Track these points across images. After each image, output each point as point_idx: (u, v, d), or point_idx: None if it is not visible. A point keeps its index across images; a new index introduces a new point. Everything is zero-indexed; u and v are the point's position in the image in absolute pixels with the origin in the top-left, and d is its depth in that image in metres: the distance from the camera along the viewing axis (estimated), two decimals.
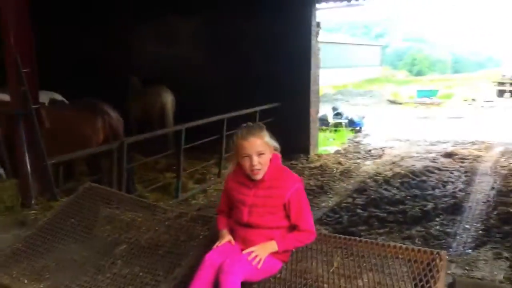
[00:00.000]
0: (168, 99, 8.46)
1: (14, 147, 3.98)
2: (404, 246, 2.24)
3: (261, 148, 2.25)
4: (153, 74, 8.88)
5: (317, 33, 8.36)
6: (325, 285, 2.23)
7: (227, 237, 2.29)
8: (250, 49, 8.38)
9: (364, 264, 2.22)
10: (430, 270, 2.08)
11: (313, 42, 8.13)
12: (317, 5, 8.20)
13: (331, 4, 8.58)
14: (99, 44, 9.63)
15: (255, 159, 2.23)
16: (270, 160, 2.30)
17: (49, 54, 6.06)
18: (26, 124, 3.81)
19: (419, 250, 2.20)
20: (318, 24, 8.33)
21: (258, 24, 8.21)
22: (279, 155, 2.39)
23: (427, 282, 2.03)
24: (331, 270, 2.24)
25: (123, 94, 8.30)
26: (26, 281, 2.55)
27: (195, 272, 2.15)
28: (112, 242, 2.77)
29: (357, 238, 2.36)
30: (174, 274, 2.38)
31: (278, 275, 2.28)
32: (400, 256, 2.21)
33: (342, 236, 2.41)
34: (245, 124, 2.37)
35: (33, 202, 3.60)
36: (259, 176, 2.28)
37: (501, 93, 20.97)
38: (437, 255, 2.13)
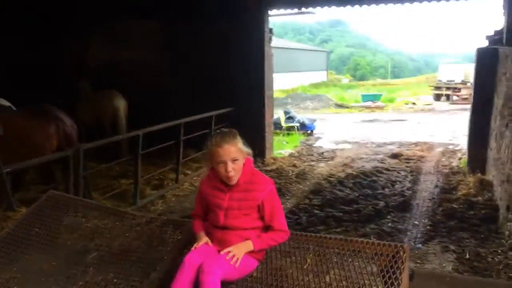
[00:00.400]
0: (120, 104, 8.26)
1: None
2: (370, 241, 2.39)
3: (235, 155, 2.32)
4: (106, 78, 8.66)
5: (270, 39, 8.55)
6: (296, 282, 2.34)
7: (204, 239, 2.34)
8: (205, 54, 8.42)
9: (335, 259, 2.36)
10: (396, 262, 2.24)
11: (266, 47, 8.31)
12: (269, 12, 8.39)
13: (282, 11, 8.80)
14: (50, 47, 9.25)
15: (230, 165, 2.30)
16: (244, 164, 2.38)
17: None
18: None
19: (384, 244, 2.36)
20: (270, 30, 8.53)
21: (212, 29, 8.27)
22: (251, 159, 2.48)
23: (393, 273, 2.19)
24: (304, 267, 2.36)
25: (73, 99, 8.03)
26: None
27: (175, 273, 2.18)
28: (82, 250, 2.72)
29: (327, 236, 2.49)
30: (150, 279, 2.38)
31: (254, 274, 2.36)
32: (367, 250, 2.36)
33: (313, 234, 2.54)
34: (218, 130, 2.43)
35: None
36: (233, 181, 2.35)
37: (438, 97, 22.42)
38: (401, 248, 2.30)
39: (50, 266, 2.62)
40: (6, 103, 5.93)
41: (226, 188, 2.38)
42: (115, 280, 2.44)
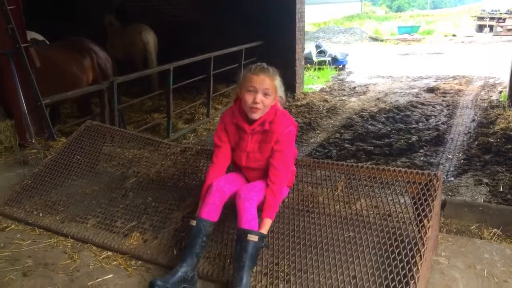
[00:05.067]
0: (150, 38, 8.19)
1: (5, 88, 3.88)
2: (403, 169, 2.38)
3: (268, 87, 2.19)
4: (130, 13, 8.54)
5: None
6: (326, 209, 2.39)
7: None
8: None
9: (366, 188, 2.38)
10: (428, 190, 2.24)
11: None
12: None
13: None
14: None
15: (259, 96, 2.18)
16: (271, 106, 2.27)
17: None
18: (16, 64, 3.70)
19: (417, 172, 2.34)
20: None
21: None
22: (278, 101, 2.31)
23: (425, 200, 2.19)
24: (335, 194, 2.40)
25: (100, 35, 8.00)
26: (41, 214, 2.64)
27: (205, 197, 2.21)
28: (121, 177, 2.86)
29: (358, 164, 2.48)
30: (187, 202, 2.50)
31: (286, 200, 2.43)
32: (399, 178, 2.36)
33: (344, 163, 2.54)
34: (259, 63, 2.28)
35: (34, 141, 3.60)
36: (256, 115, 2.23)
37: (480, 28, 21.09)
38: (434, 176, 2.29)
39: (92, 190, 2.78)
40: (39, 37, 5.98)
41: (249, 126, 2.27)
42: (154, 203, 2.57)
